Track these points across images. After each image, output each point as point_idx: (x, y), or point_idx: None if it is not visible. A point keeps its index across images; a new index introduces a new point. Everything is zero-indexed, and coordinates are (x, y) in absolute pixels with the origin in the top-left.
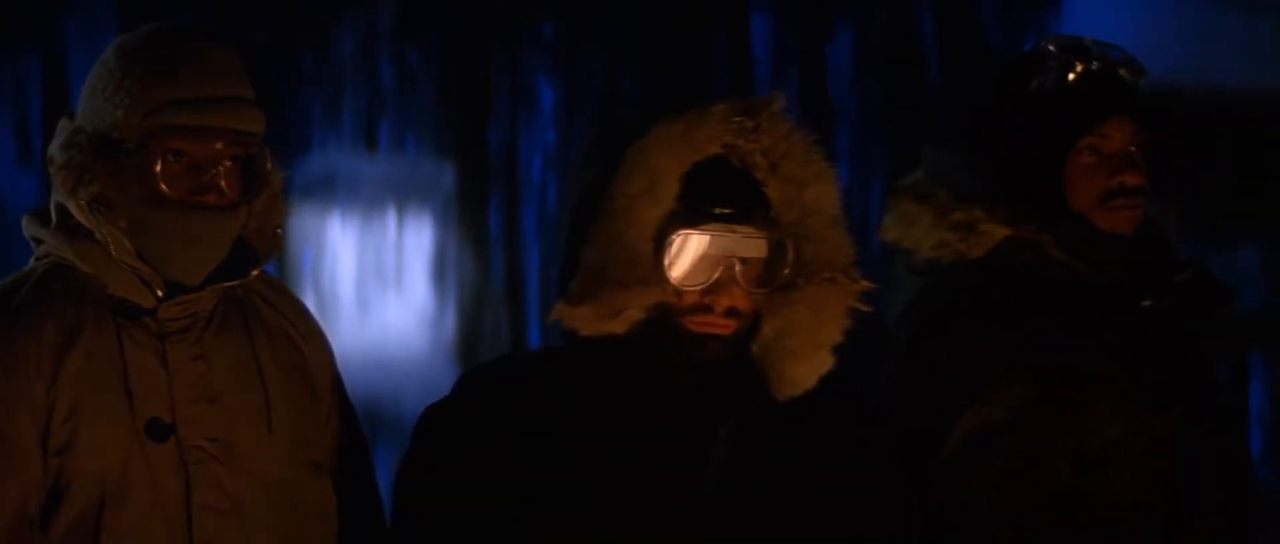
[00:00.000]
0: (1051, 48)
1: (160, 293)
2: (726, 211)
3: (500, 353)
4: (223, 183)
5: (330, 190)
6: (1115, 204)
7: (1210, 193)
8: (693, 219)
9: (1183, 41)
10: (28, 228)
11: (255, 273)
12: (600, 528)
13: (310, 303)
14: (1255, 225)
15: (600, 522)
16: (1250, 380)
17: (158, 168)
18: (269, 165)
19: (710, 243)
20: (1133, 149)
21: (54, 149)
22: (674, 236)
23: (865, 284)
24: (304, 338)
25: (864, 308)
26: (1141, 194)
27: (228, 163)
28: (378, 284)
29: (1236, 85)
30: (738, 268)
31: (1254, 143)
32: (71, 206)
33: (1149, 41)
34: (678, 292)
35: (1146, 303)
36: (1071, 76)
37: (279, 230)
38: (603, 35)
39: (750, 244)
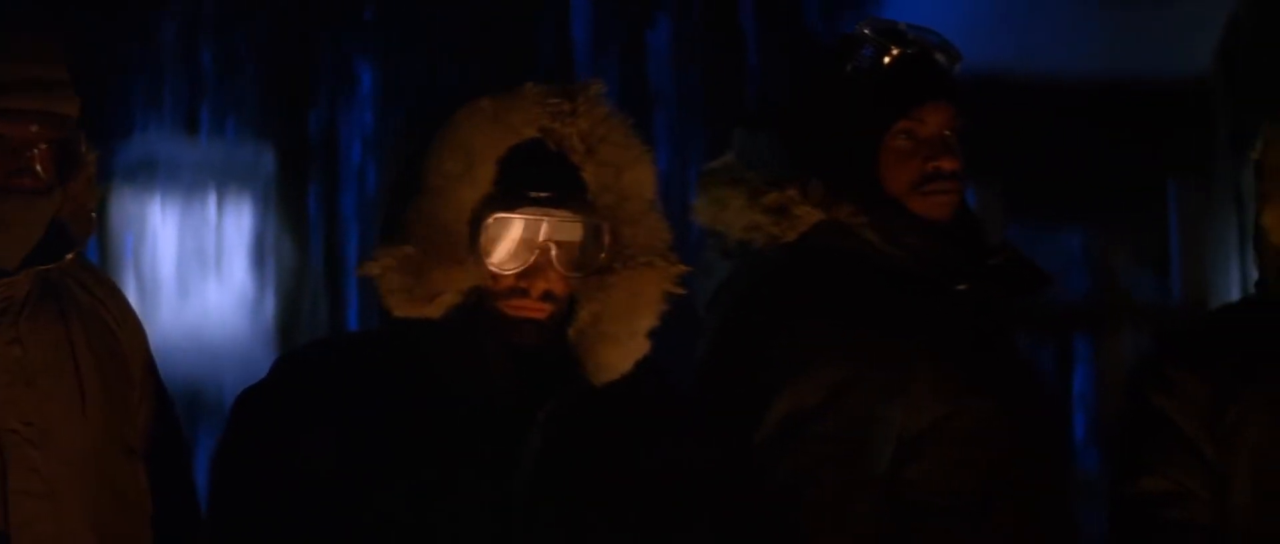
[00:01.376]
0: (867, 31)
1: None
2: (543, 195)
3: (319, 335)
4: (38, 166)
5: (151, 175)
6: (930, 189)
7: (1034, 178)
8: (509, 202)
9: (1005, 26)
10: None
11: (70, 256)
12: (416, 511)
13: (131, 286)
14: (1079, 210)
15: (416, 505)
16: (1074, 365)
17: None
18: (84, 148)
19: (526, 226)
20: (948, 134)
21: None
22: (490, 219)
23: (681, 268)
24: (118, 322)
25: (679, 292)
26: (957, 179)
27: (43, 146)
28: (198, 268)
29: (1059, 70)
30: (553, 252)
31: (1077, 128)
32: None
33: (971, 26)
34: (493, 275)
35: (961, 287)
36: (886, 60)
37: (93, 214)
38: (423, 19)
39: (566, 228)
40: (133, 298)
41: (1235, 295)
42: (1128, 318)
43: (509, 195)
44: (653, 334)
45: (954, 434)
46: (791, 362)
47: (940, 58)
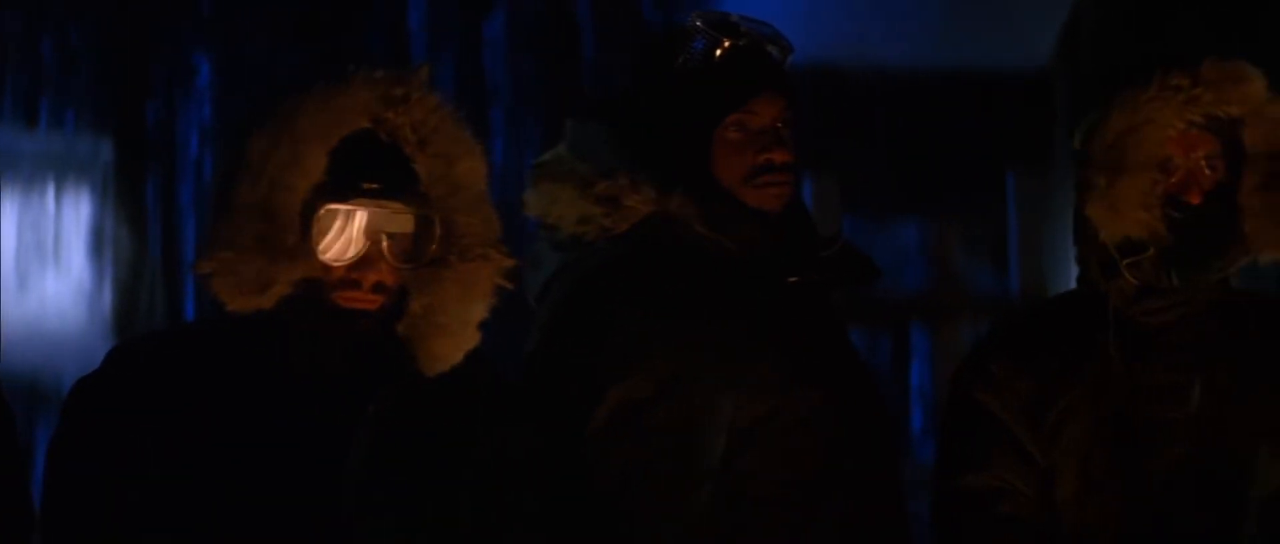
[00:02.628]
0: (698, 24)
1: None
2: (374, 186)
3: (155, 326)
4: None
5: None
6: (762, 181)
7: (871, 168)
8: (340, 193)
9: (843, 17)
10: None
11: None
12: (247, 502)
13: None
14: (917, 201)
15: (247, 496)
16: (911, 356)
17: None
18: None
19: (357, 217)
20: (780, 126)
21: None
22: (321, 210)
23: (511, 261)
24: None
25: (509, 285)
26: (789, 171)
27: None
28: (37, 259)
29: (897, 61)
30: (385, 243)
31: (915, 118)
32: None
33: (809, 17)
34: (325, 266)
35: (793, 279)
36: (718, 52)
37: None
38: (260, 10)
39: (398, 219)
40: None
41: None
42: (965, 310)
43: (340, 186)
44: (484, 326)
45: (785, 425)
46: (623, 353)
47: (772, 50)
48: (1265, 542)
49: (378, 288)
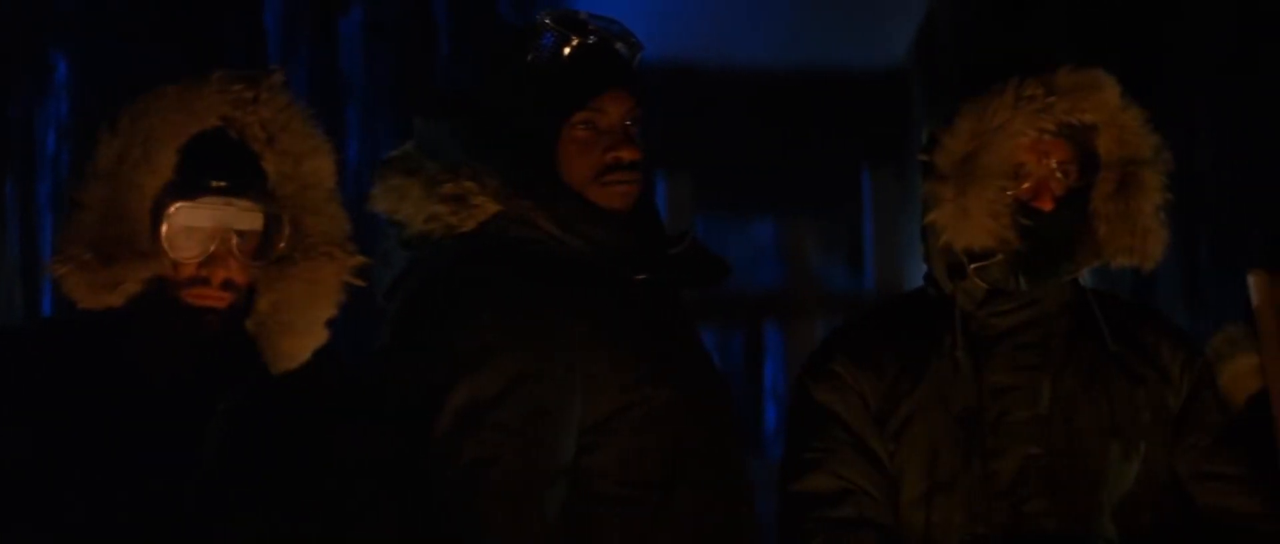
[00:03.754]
0: (547, 21)
1: None
2: (223, 184)
3: (10, 323)
4: None
5: None
6: (609, 180)
7: (725, 167)
8: (189, 191)
9: (698, 15)
10: None
11: None
12: (97, 500)
13: None
14: (771, 200)
15: (97, 494)
16: (765, 355)
17: None
18: None
19: (207, 215)
20: (629, 124)
21: None
22: (171, 208)
23: (359, 260)
24: None
25: (359, 282)
26: (637, 170)
27: None
28: None
29: (753, 59)
30: (234, 241)
31: (770, 117)
32: None
33: (663, 16)
34: (175, 263)
35: (640, 277)
36: (566, 50)
37: None
38: (117, 7)
39: (246, 217)
40: None
41: None
42: (819, 308)
43: (190, 184)
44: (332, 323)
45: (633, 424)
46: (470, 352)
47: (621, 47)
48: (1116, 542)
49: (227, 286)
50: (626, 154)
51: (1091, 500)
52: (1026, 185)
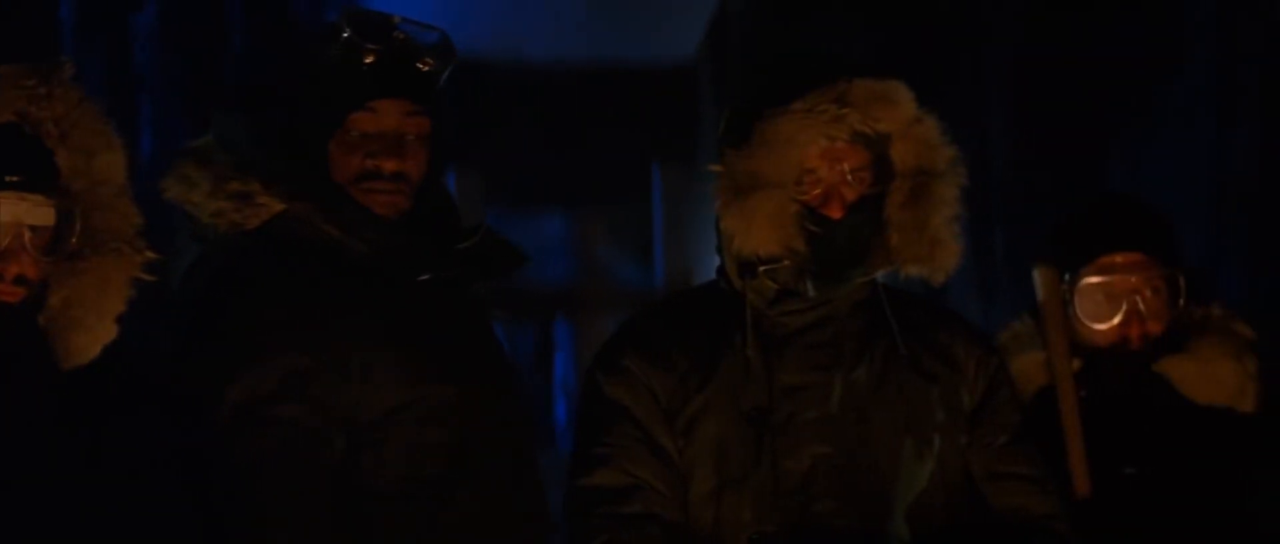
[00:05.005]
0: (340, 21)
1: None
2: (16, 179)
3: None
4: None
5: None
6: (367, 187)
7: (516, 162)
8: None
9: (488, 11)
10: None
11: None
12: None
13: None
14: (562, 194)
15: None
16: (555, 349)
17: None
18: None
19: (0, 210)
20: (407, 135)
21: None
22: None
23: (149, 256)
24: None
25: (148, 278)
26: (402, 180)
27: None
28: None
29: (543, 55)
30: (27, 236)
31: (561, 112)
32: None
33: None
34: None
35: (424, 277)
36: (347, 52)
37: None
38: None
39: (39, 212)
40: None
41: None
42: (610, 302)
43: None
44: (123, 319)
45: (414, 420)
46: (247, 348)
47: (402, 51)
48: (909, 542)
49: (19, 280)
50: (388, 164)
51: (883, 500)
52: (816, 192)
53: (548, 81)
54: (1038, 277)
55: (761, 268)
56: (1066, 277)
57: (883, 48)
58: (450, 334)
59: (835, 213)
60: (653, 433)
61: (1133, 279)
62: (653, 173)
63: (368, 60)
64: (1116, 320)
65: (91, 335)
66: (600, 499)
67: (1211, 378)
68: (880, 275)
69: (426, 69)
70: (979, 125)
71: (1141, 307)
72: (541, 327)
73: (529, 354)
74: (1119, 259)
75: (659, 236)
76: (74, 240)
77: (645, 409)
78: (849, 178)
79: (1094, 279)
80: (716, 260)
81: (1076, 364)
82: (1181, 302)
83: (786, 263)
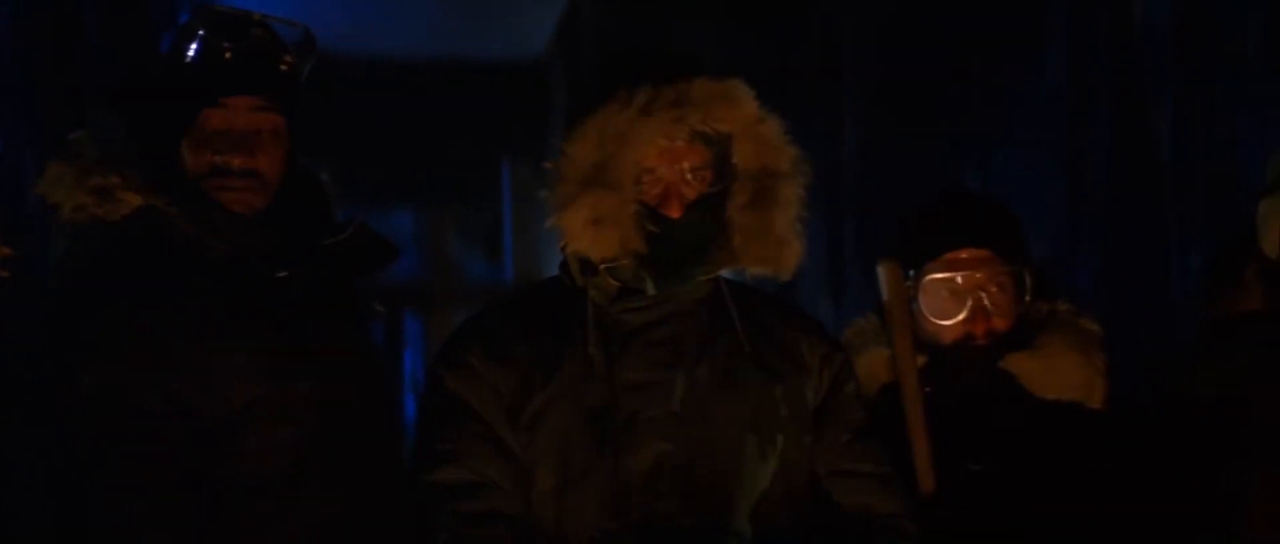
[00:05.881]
0: (197, 17)
1: None
2: None
3: None
4: None
5: None
6: (219, 183)
7: (367, 156)
8: None
9: (340, 7)
10: None
11: None
12: None
13: None
14: (412, 189)
15: None
16: (406, 344)
17: None
18: None
19: None
20: (259, 128)
21: None
22: None
23: (5, 250)
24: None
25: (3, 273)
26: (253, 177)
27: None
28: None
29: (394, 49)
30: None
31: (411, 107)
32: None
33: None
34: None
35: (282, 274)
36: (200, 48)
37: None
38: None
39: None
40: None
41: None
42: (459, 298)
43: None
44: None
45: (265, 417)
46: (99, 340)
47: (257, 47)
48: (752, 540)
49: None
50: (236, 161)
51: (726, 498)
52: (655, 191)
53: (399, 77)
54: (882, 273)
55: (602, 265)
56: (911, 273)
57: (735, 44)
58: (310, 331)
59: (674, 212)
60: (496, 430)
61: (978, 275)
62: (503, 170)
63: (226, 57)
64: (962, 317)
65: None
66: (445, 496)
67: (1058, 374)
68: (726, 272)
69: (286, 67)
70: (831, 121)
71: (987, 303)
72: (391, 322)
73: (380, 350)
74: (964, 255)
75: (508, 233)
76: None
77: (488, 406)
78: (689, 177)
79: (939, 275)
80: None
81: (922, 361)
82: (1028, 298)
83: (625, 262)
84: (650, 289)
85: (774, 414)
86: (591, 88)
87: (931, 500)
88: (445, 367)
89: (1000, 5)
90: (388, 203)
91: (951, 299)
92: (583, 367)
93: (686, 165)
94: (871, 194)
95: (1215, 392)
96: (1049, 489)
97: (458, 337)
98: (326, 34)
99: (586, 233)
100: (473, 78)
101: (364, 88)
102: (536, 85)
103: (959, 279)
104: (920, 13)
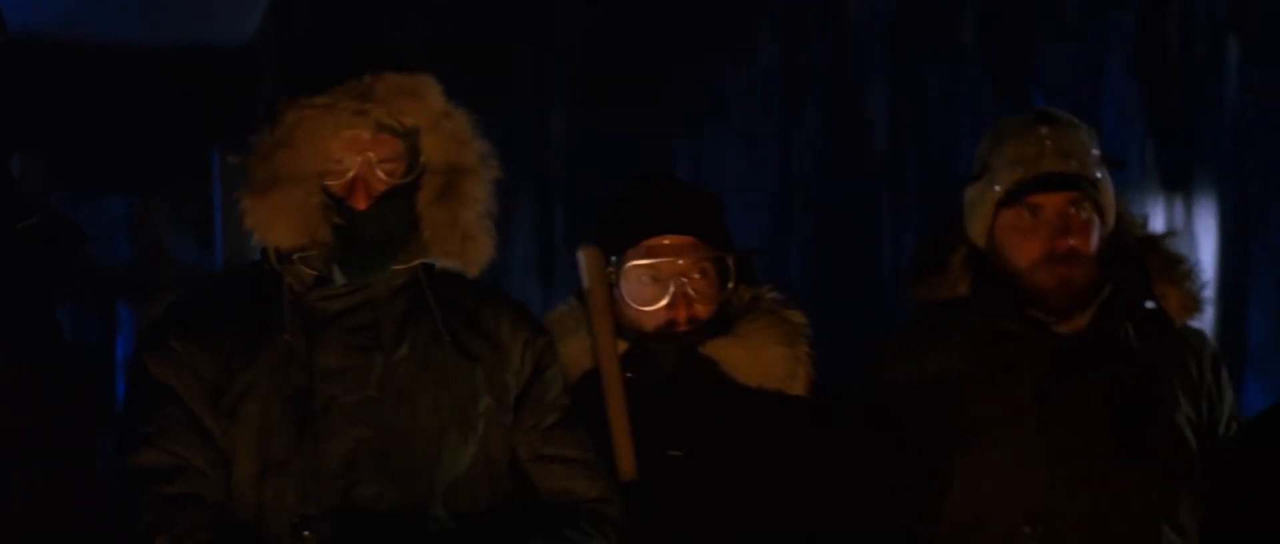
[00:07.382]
0: None
1: None
2: None
3: None
4: None
5: None
6: None
7: (78, 142)
8: None
9: None
10: None
11: None
12: None
13: None
14: (123, 176)
15: None
16: (118, 330)
17: None
18: None
19: None
20: None
21: None
22: None
23: None
24: None
25: None
26: None
27: None
28: None
29: (104, 35)
30: None
31: (121, 93)
32: None
33: None
34: None
35: None
36: None
37: None
38: None
39: None
40: None
41: None
42: (171, 284)
43: None
44: None
45: None
46: None
47: None
48: (452, 525)
49: None
50: None
51: (425, 483)
52: (340, 183)
53: (110, 63)
54: (582, 259)
55: (295, 256)
56: (613, 259)
57: (444, 32)
58: (4, 316)
59: (360, 204)
60: (196, 413)
61: (680, 262)
62: (212, 156)
63: None
64: (663, 303)
65: None
66: (146, 479)
67: (760, 362)
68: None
69: None
70: (541, 106)
71: (689, 289)
72: (103, 308)
73: (92, 336)
74: (666, 241)
75: (218, 219)
76: None
77: (190, 389)
78: (376, 169)
79: (640, 262)
80: None
81: (623, 346)
82: (731, 284)
83: (313, 252)
84: (339, 278)
85: (473, 398)
86: (284, 80)
87: (631, 486)
88: (147, 350)
89: None
90: (100, 189)
91: (653, 286)
92: (282, 352)
93: (374, 156)
94: (582, 178)
95: (921, 378)
96: (748, 474)
97: (160, 321)
98: (36, 19)
99: (274, 224)
100: (183, 63)
101: (77, 73)
102: (246, 72)
103: (660, 266)
104: None
